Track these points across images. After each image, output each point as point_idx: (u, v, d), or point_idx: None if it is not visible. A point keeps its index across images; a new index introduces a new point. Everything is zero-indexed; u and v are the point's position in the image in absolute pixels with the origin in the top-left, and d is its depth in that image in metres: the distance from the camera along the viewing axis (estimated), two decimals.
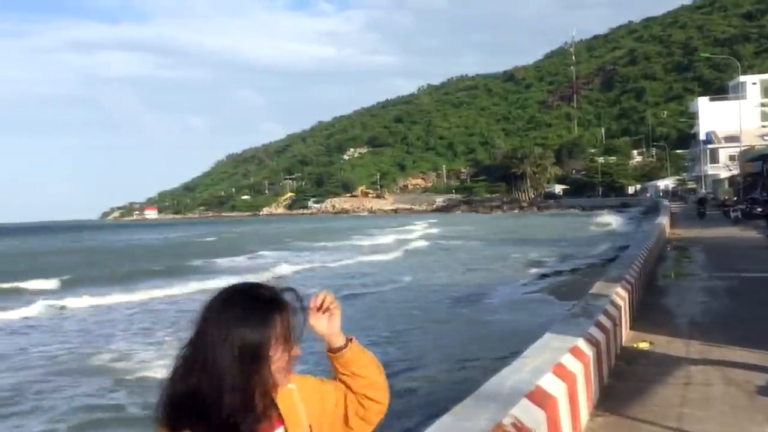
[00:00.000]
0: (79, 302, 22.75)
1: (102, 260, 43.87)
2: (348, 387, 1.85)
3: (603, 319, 7.56)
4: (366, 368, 1.85)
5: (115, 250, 57.27)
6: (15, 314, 20.79)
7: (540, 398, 4.53)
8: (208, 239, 71.24)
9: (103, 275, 32.39)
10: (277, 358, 1.63)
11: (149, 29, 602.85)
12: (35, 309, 21.52)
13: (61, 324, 19.16)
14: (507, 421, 3.85)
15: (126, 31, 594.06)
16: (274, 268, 31.70)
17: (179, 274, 32.06)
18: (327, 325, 1.80)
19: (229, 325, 1.58)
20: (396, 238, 53.93)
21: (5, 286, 28.14)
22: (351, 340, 1.85)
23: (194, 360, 1.57)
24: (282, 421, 1.68)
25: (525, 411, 4.16)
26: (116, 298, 23.81)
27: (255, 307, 1.62)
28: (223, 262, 38.06)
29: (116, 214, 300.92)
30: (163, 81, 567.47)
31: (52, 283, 29.48)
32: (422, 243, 46.52)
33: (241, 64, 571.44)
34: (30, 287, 28.16)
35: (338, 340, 1.82)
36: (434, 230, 64.21)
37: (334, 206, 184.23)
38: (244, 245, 52.36)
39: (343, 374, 1.84)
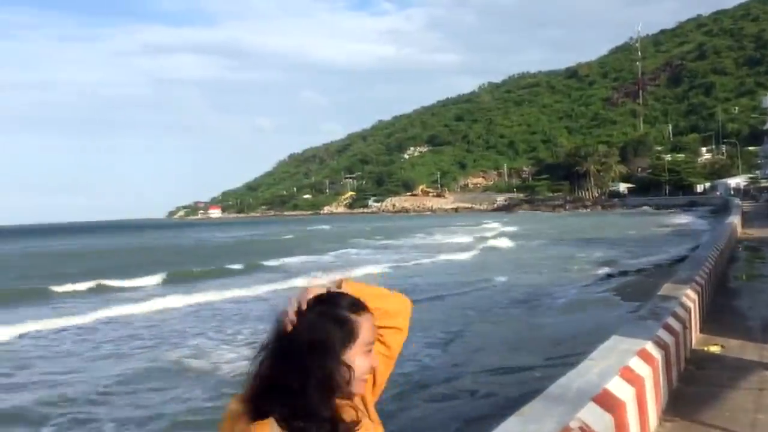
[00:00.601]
0: (183, 300, 22.99)
1: (183, 259, 44.42)
2: None
3: (672, 321, 7.37)
4: (371, 299, 1.74)
5: (192, 249, 58.40)
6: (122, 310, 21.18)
7: (607, 402, 4.45)
8: (285, 237, 71.85)
9: (193, 274, 33.08)
10: (358, 365, 1.64)
11: (216, 32, 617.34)
12: (145, 306, 21.88)
13: (168, 320, 19.55)
14: (574, 424, 3.80)
15: (194, 35, 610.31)
16: (358, 268, 31.75)
17: (263, 272, 32.84)
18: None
19: (312, 325, 1.62)
20: (472, 236, 53.49)
21: (119, 283, 29.23)
22: (342, 281, 1.75)
23: (279, 353, 1.62)
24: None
25: (592, 414, 4.10)
26: (212, 296, 23.88)
27: (336, 310, 1.65)
28: (309, 259, 38.77)
29: (182, 213, 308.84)
30: (229, 82, 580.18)
31: (150, 280, 30.29)
32: (496, 243, 45.67)
33: (305, 64, 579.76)
34: (130, 285, 29.11)
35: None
36: (507, 229, 63.32)
37: (394, 205, 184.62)
38: (322, 244, 52.99)
39: None
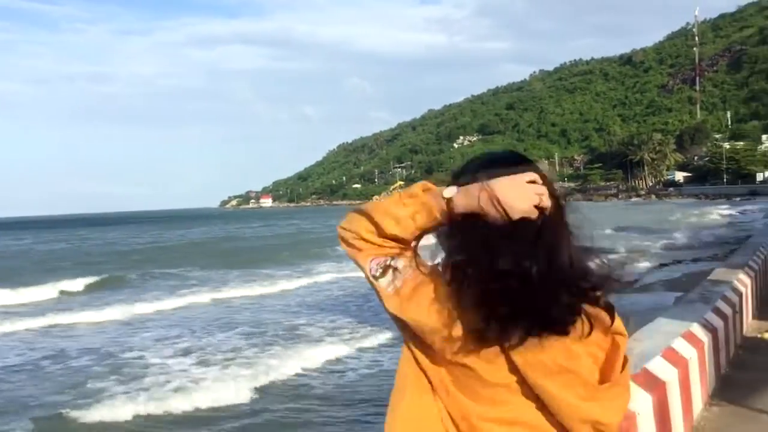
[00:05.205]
0: None
1: None
2: None
3: (722, 305, 7.06)
4: None
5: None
6: None
7: (647, 382, 4.25)
8: None
9: None
10: None
11: (266, 23, 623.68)
12: None
13: None
14: None
15: (244, 26, 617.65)
16: None
17: None
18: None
19: None
20: None
21: None
22: None
23: None
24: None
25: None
26: None
27: None
28: None
29: (234, 202, 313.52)
30: (277, 72, 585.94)
31: None
32: None
33: (352, 53, 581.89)
34: None
35: None
36: None
37: None
38: None
39: None
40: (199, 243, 55.19)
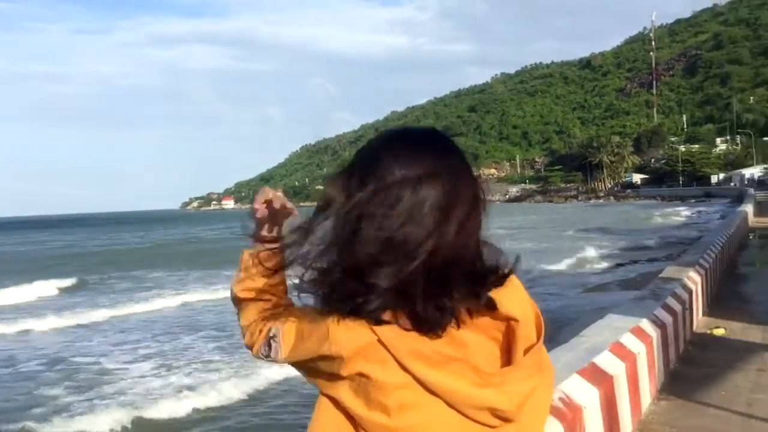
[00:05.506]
0: None
1: None
2: None
3: (671, 301, 7.24)
4: None
5: None
6: None
7: (594, 376, 4.35)
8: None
9: None
10: None
11: (227, 23, 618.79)
12: None
13: None
14: (554, 395, 3.71)
15: (205, 26, 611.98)
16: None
17: None
18: None
19: None
20: None
21: None
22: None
23: None
24: None
25: (576, 387, 4.00)
26: None
27: None
28: None
29: (195, 204, 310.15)
30: (240, 73, 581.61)
31: None
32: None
33: (316, 54, 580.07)
34: None
35: None
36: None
37: None
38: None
39: None
40: (160, 245, 54.74)
